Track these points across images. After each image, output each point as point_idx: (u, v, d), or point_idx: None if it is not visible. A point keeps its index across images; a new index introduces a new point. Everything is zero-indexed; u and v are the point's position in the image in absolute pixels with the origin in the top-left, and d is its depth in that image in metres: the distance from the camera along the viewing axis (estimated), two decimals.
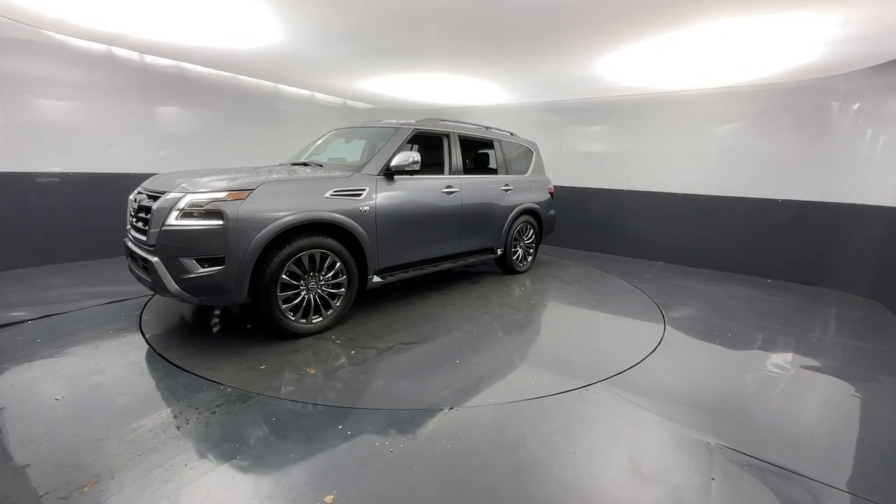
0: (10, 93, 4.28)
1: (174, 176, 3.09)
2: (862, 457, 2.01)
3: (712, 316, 3.92)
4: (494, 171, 4.87)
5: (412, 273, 3.84)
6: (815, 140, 5.01)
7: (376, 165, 3.48)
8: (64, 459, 1.74)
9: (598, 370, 2.72)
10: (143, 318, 3.28)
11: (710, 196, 5.76)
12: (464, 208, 4.20)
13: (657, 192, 6.20)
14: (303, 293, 3.01)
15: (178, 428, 1.97)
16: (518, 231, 5.02)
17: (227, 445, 1.87)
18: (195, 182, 2.79)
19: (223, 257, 2.62)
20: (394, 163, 3.48)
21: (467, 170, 4.60)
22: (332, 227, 3.11)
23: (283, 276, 2.86)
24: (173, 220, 2.61)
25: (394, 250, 3.56)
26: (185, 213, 2.61)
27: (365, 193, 3.29)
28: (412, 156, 3.50)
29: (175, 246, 2.61)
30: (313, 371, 2.60)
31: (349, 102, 7.81)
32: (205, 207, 2.61)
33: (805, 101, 5.03)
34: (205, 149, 5.86)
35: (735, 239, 5.63)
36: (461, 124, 4.50)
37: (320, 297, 3.12)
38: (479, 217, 4.43)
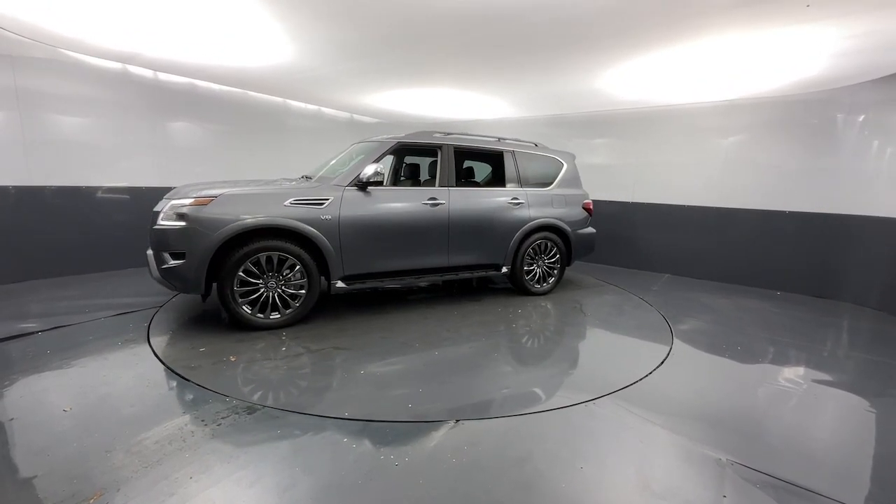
0: (28, 109, 4.40)
1: (187, 187, 3.50)
2: (878, 473, 1.96)
3: (721, 329, 3.87)
4: (503, 184, 4.61)
5: (387, 283, 3.90)
6: (822, 152, 4.99)
7: (347, 177, 3.70)
8: (71, 471, 1.74)
9: (598, 384, 2.69)
10: (150, 330, 3.31)
11: (717, 208, 5.73)
12: (452, 221, 4.09)
13: (663, 204, 6.18)
14: (262, 290, 3.32)
15: (183, 440, 1.97)
16: (533, 248, 4.66)
17: (231, 458, 1.86)
18: (183, 191, 3.30)
19: (184, 252, 3.09)
20: (364, 175, 3.62)
21: (463, 182, 4.51)
22: (293, 232, 3.35)
23: (240, 273, 3.21)
24: (159, 221, 3.16)
25: (361, 259, 3.67)
26: (166, 216, 3.15)
27: (328, 203, 3.49)
28: (377, 167, 3.67)
29: (159, 241, 3.15)
30: (234, 359, 2.84)
31: (356, 117, 7.93)
32: (176, 211, 3.13)
33: (810, 113, 5.03)
34: (217, 162, 5.96)
35: (742, 251, 5.58)
36: (464, 136, 4.45)
37: (281, 295, 3.39)
38: (474, 230, 4.24)
